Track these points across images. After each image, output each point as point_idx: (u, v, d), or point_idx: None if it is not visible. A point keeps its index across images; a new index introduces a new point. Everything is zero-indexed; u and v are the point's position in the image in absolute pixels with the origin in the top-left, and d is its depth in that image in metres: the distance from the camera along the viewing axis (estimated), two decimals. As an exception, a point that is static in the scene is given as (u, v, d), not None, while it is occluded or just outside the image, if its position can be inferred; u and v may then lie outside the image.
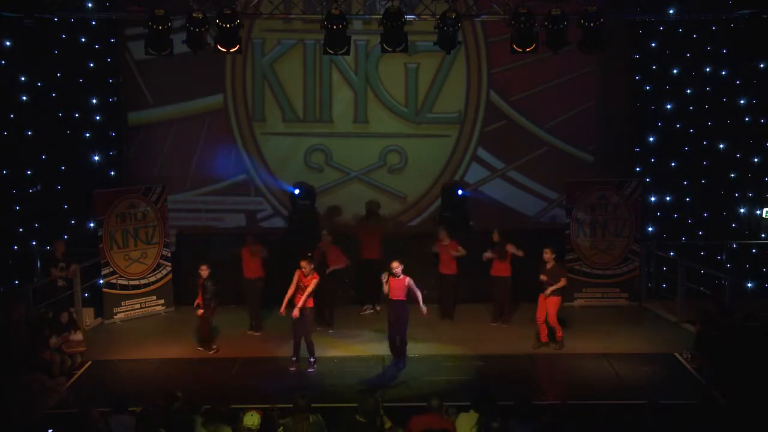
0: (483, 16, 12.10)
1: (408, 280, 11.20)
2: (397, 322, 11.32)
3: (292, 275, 11.33)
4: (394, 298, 11.24)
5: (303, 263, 11.27)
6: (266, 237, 14.41)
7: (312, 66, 14.99)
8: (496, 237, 12.96)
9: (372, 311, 13.77)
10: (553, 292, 11.85)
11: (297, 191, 14.59)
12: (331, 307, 13.13)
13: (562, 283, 11.92)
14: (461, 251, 13.07)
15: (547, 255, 11.91)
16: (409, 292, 11.24)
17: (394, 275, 11.17)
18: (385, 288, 11.25)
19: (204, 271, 11.93)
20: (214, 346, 12.07)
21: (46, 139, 14.42)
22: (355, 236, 13.88)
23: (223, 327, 12.91)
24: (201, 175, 15.06)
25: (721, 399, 9.86)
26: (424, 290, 11.57)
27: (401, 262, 11.21)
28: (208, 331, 12.12)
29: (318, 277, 11.37)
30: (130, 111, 14.97)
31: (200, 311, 11.97)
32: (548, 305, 11.91)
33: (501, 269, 12.98)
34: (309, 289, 11.19)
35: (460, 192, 14.65)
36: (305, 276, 11.24)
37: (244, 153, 15.13)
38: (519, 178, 15.26)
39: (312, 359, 11.35)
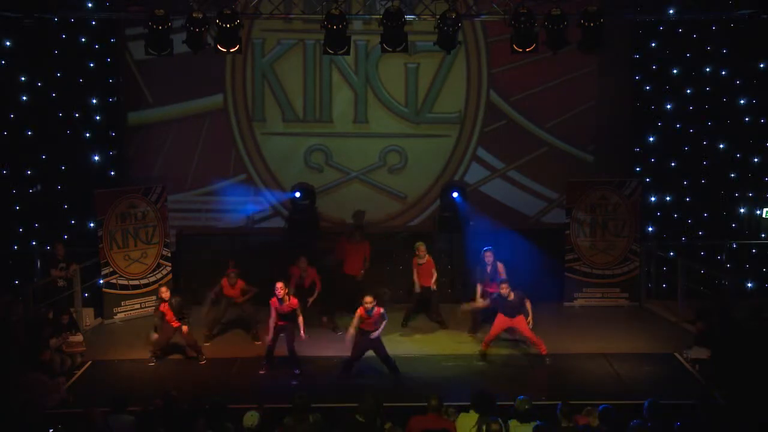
0: (483, 16, 12.10)
1: (381, 312, 10.92)
2: (361, 352, 11.12)
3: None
4: (366, 329, 11.01)
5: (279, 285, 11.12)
6: (266, 237, 14.52)
7: (312, 66, 14.99)
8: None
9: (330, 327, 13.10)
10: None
11: (298, 194, 14.54)
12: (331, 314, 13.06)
13: (528, 305, 11.63)
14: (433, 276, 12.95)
15: (505, 289, 11.58)
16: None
17: (367, 310, 10.81)
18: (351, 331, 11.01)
19: (165, 293, 11.83)
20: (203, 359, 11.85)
21: (46, 139, 14.41)
22: (339, 253, 13.52)
23: (223, 327, 12.94)
24: (201, 175, 15.06)
25: (721, 399, 9.87)
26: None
27: (374, 298, 10.94)
28: (194, 340, 11.92)
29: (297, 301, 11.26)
30: (130, 111, 14.96)
31: (185, 328, 11.77)
32: (519, 325, 11.65)
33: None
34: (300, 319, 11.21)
35: (455, 195, 14.61)
36: (281, 303, 11.11)
37: (244, 153, 15.13)
38: (519, 178, 15.26)
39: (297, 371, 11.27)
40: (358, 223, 14.59)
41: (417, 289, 13.06)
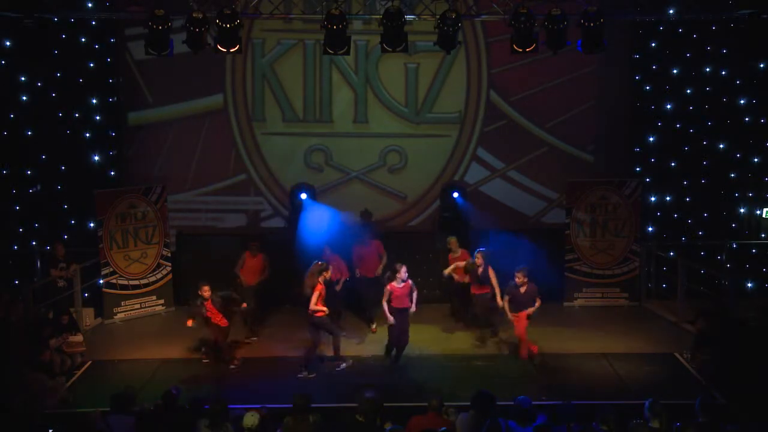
0: (483, 16, 12.09)
1: (411, 283, 11.33)
2: (403, 333, 11.38)
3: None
4: (400, 306, 11.24)
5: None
6: (266, 237, 14.52)
7: (312, 66, 14.99)
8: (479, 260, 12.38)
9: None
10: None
11: (304, 195, 14.49)
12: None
13: (538, 304, 11.59)
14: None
15: (520, 278, 11.55)
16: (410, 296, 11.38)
17: (400, 280, 11.17)
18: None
19: (206, 292, 11.37)
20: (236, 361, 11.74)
21: (46, 139, 14.41)
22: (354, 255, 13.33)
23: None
24: (201, 175, 15.06)
25: (721, 399, 9.88)
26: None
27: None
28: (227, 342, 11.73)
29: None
30: (130, 111, 14.96)
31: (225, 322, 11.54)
32: (518, 322, 11.61)
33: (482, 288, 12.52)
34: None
35: (455, 195, 14.62)
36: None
37: (244, 153, 15.14)
38: (519, 178, 15.25)
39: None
40: (366, 221, 14.57)
41: (456, 279, 12.88)
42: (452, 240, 13.08)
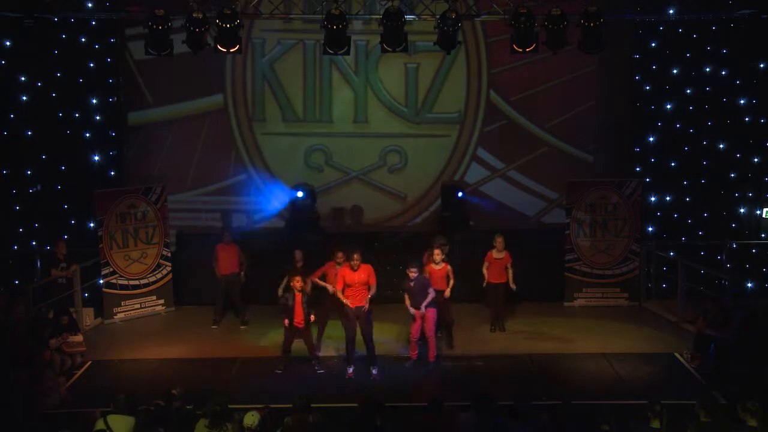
0: (483, 16, 12.10)
1: (449, 268, 11.48)
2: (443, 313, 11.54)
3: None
4: (437, 288, 11.31)
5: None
6: (266, 236, 14.53)
7: (312, 66, 15.00)
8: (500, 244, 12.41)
9: None
10: (429, 304, 11.04)
11: (301, 194, 14.51)
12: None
13: (431, 295, 11.02)
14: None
15: (413, 273, 10.94)
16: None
17: (435, 263, 11.40)
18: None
19: (299, 283, 10.98)
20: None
21: (46, 139, 14.41)
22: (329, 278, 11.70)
23: (222, 326, 12.95)
24: (201, 175, 15.07)
25: (721, 399, 9.87)
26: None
27: (442, 250, 11.41)
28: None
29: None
30: (130, 111, 14.99)
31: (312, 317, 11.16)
32: (426, 318, 11.10)
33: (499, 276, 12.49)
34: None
35: (460, 194, 14.64)
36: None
37: (244, 153, 15.14)
38: (519, 178, 15.27)
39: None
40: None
41: (485, 284, 12.55)
42: (499, 239, 12.44)
